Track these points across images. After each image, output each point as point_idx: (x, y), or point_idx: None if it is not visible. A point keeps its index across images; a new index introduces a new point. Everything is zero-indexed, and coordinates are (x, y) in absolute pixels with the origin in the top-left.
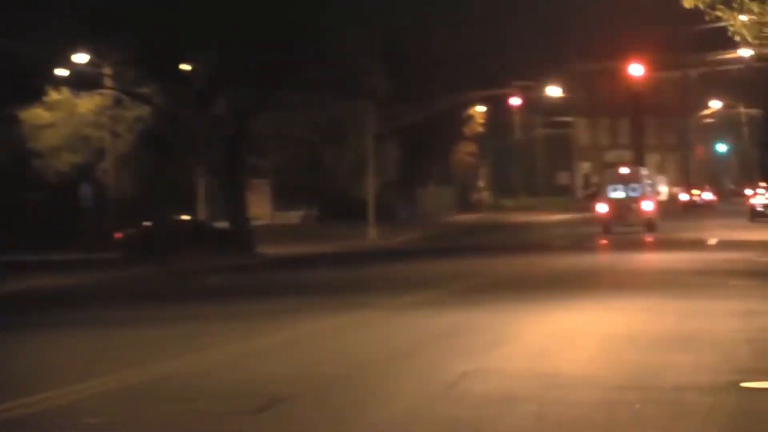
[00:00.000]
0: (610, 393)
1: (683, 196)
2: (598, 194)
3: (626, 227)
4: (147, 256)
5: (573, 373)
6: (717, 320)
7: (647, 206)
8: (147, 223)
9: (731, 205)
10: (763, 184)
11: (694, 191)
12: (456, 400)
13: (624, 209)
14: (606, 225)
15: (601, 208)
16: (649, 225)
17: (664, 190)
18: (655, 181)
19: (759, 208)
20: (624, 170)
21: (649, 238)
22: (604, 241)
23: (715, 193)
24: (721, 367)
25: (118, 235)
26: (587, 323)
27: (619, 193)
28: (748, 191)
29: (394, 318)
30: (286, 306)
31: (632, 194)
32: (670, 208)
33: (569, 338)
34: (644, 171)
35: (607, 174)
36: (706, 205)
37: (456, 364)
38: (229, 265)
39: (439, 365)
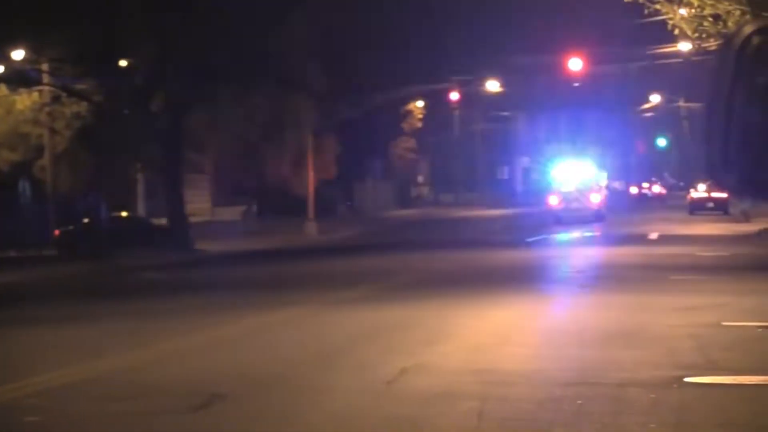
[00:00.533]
0: (552, 389)
1: (634, 190)
2: (550, 187)
3: (576, 217)
4: (86, 253)
5: (514, 370)
6: (659, 315)
7: (595, 198)
8: (86, 220)
9: (675, 199)
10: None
11: (644, 185)
12: (397, 397)
13: (574, 201)
14: (558, 215)
15: (553, 200)
16: (598, 215)
17: (603, 183)
18: (600, 174)
19: (698, 202)
20: (574, 165)
21: (592, 232)
22: (544, 236)
23: (664, 186)
24: (664, 363)
25: (56, 232)
26: (528, 318)
27: (569, 186)
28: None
29: (333, 314)
30: (225, 302)
31: (581, 187)
32: (620, 200)
33: (510, 334)
34: (592, 166)
35: (558, 168)
36: (657, 198)
37: (395, 361)
38: (168, 262)
39: (379, 362)
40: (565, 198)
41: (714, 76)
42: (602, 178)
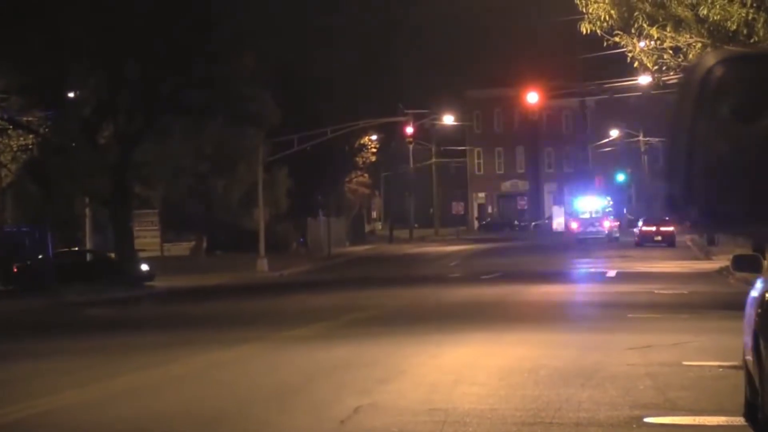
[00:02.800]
0: (509, 429)
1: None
2: (571, 215)
3: (592, 239)
4: (40, 289)
5: (470, 409)
6: (617, 354)
7: (605, 223)
8: (40, 256)
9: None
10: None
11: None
12: None
13: (588, 225)
14: (577, 236)
15: (574, 225)
16: (610, 237)
17: (560, 220)
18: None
19: (646, 235)
20: (588, 198)
21: (552, 267)
22: (501, 273)
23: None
24: (622, 402)
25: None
26: (484, 357)
27: (585, 214)
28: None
29: (285, 351)
30: (175, 339)
31: (594, 215)
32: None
33: (465, 372)
34: (605, 199)
35: (577, 201)
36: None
37: (349, 399)
38: (119, 297)
39: (332, 400)
40: (583, 223)
41: (675, 108)
42: (558, 214)
